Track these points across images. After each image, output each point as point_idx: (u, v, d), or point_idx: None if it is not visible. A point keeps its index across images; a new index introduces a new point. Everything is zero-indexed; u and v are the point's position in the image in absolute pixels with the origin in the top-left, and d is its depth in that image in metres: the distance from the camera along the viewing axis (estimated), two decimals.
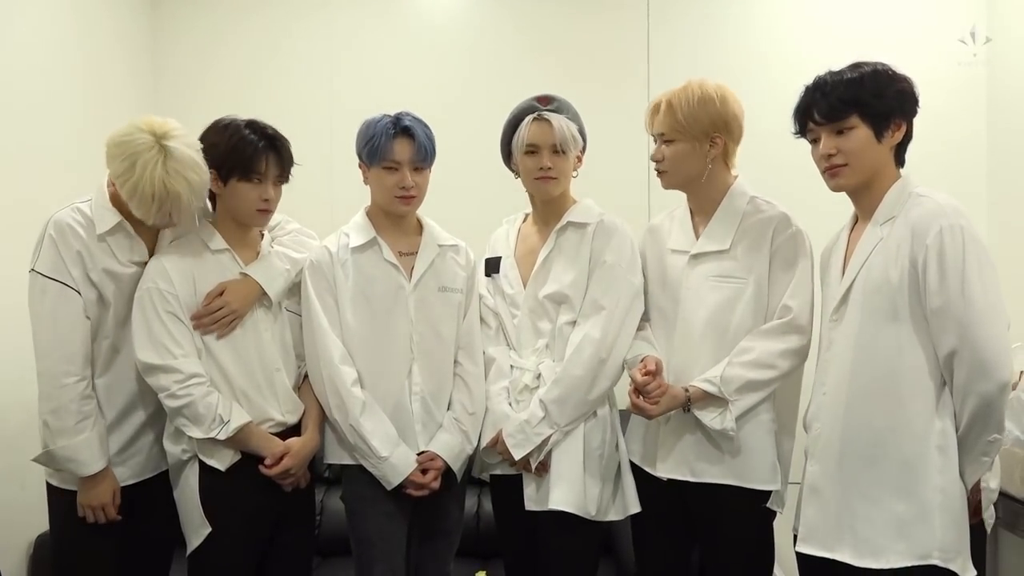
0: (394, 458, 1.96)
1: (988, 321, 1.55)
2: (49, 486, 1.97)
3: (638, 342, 2.05)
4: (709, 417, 1.89)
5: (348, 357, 2.00)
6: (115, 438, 1.95)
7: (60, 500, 1.94)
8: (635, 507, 2.03)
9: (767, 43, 3.17)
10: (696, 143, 1.94)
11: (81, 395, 1.87)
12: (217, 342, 1.93)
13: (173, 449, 1.94)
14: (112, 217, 1.90)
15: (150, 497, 1.99)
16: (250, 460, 1.93)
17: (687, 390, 1.90)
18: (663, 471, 1.97)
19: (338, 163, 3.14)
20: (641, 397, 1.90)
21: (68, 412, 1.86)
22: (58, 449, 1.85)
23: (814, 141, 1.75)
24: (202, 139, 1.94)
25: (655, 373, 1.90)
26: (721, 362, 1.90)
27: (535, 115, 2.03)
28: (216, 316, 1.91)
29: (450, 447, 2.03)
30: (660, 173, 2.01)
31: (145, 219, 1.84)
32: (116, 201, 1.91)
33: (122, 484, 1.95)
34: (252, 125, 1.94)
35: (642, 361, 1.94)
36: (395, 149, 1.99)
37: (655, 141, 2.02)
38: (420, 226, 2.14)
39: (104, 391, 1.95)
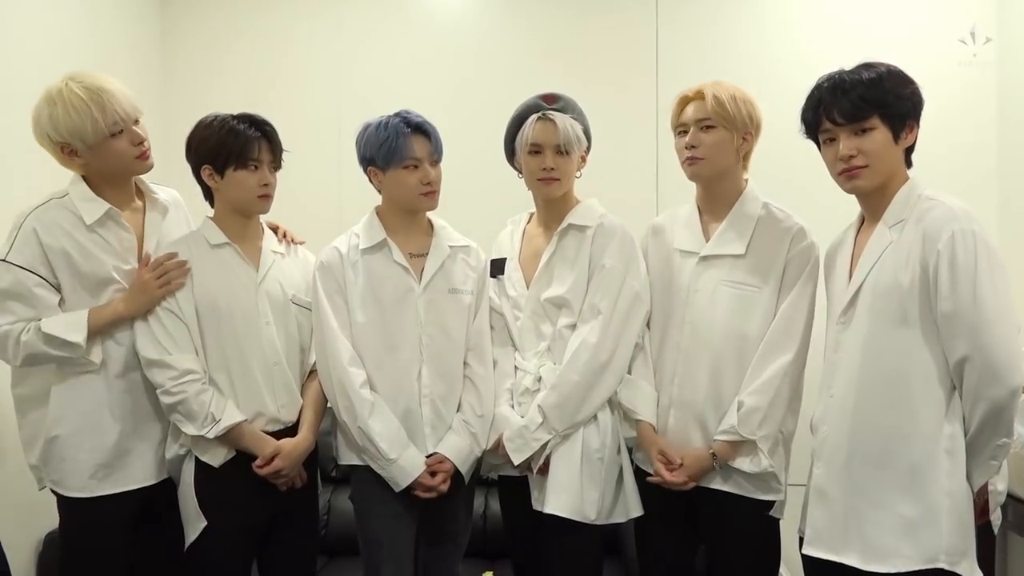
0: (402, 460, 1.96)
1: (1000, 326, 1.54)
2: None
3: (634, 385, 2.03)
4: (746, 465, 1.89)
5: (357, 359, 2.00)
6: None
7: (69, 504, 1.95)
8: (637, 510, 2.02)
9: (776, 41, 3.16)
10: (735, 134, 1.94)
11: None
12: (217, 334, 1.95)
13: (172, 445, 1.98)
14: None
15: (167, 500, 2.01)
16: (246, 457, 1.95)
17: (711, 450, 1.91)
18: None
19: (347, 163, 3.10)
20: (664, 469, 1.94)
21: None
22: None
23: (828, 142, 1.72)
24: (190, 138, 1.97)
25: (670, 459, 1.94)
26: (730, 409, 1.90)
27: (540, 114, 2.02)
28: (171, 276, 1.93)
29: (459, 449, 2.03)
30: (693, 161, 1.96)
31: (96, 136, 1.85)
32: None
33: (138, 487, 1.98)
34: (239, 116, 1.96)
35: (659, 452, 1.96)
36: (414, 146, 1.99)
37: (682, 131, 1.99)
38: (431, 227, 2.14)
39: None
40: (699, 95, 1.96)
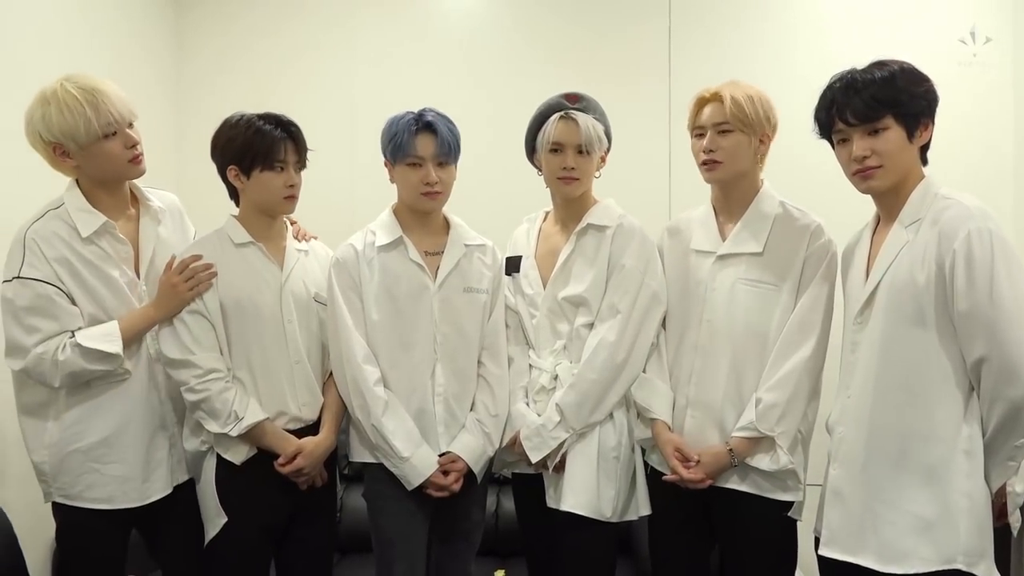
0: (415, 459, 1.96)
1: (1017, 325, 1.52)
2: (55, 505, 1.94)
3: (650, 384, 2.03)
4: (765, 462, 1.88)
5: (372, 357, 2.01)
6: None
7: (74, 513, 1.92)
8: (646, 509, 2.03)
9: (788, 41, 3.16)
10: (752, 137, 1.93)
11: None
12: (241, 332, 1.96)
13: (192, 442, 1.99)
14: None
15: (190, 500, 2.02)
16: (267, 455, 1.96)
17: (728, 445, 1.90)
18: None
19: (359, 165, 3.16)
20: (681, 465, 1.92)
21: None
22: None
23: (842, 142, 1.71)
24: (216, 138, 1.97)
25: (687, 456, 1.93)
26: (747, 406, 1.90)
27: (562, 113, 2.02)
28: (200, 278, 1.93)
29: (472, 449, 2.03)
30: (713, 164, 1.95)
31: (89, 136, 1.81)
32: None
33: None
34: (265, 116, 1.96)
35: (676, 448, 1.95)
36: (417, 145, 1.98)
37: (699, 134, 1.98)
38: (447, 225, 2.13)
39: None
40: (716, 97, 1.95)
